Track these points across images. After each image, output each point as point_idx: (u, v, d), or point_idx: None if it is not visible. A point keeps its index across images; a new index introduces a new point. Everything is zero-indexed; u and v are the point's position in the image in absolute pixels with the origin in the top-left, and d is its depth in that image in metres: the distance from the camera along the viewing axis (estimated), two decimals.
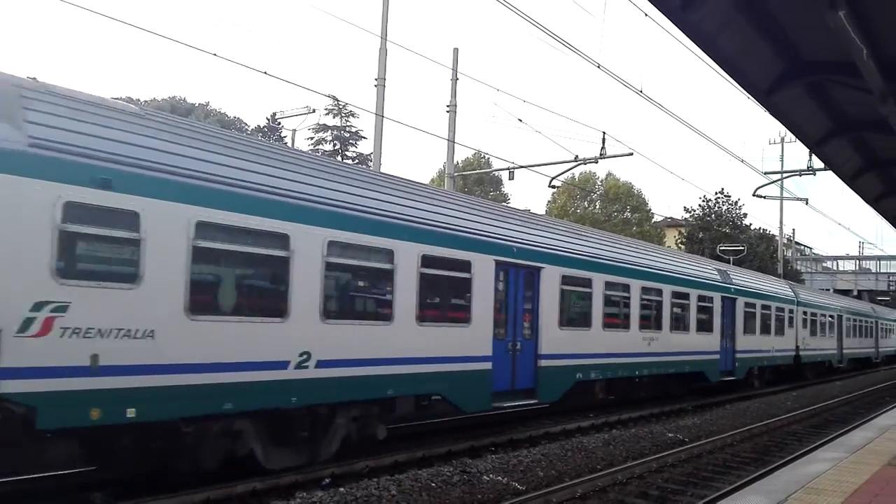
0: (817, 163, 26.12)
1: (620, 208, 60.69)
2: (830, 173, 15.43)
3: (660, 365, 16.32)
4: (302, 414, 8.80)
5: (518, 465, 9.90)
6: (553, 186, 26.36)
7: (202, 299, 7.65)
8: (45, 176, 6.52)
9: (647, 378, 16.35)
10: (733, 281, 20.77)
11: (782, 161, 46.11)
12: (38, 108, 6.79)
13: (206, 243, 7.62)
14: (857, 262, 63.90)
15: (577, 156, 22.82)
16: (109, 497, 7.52)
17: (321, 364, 8.68)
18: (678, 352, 17.06)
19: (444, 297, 10.92)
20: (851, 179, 15.39)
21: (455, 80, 22.87)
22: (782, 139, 41.13)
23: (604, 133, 21.69)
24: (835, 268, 63.60)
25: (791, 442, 13.99)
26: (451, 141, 22.90)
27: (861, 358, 35.75)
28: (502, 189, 71.86)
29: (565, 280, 13.09)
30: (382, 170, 18.63)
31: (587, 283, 13.80)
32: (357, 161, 62.09)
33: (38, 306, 6.39)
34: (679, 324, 17.33)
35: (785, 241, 47.30)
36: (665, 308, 16.61)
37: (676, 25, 7.62)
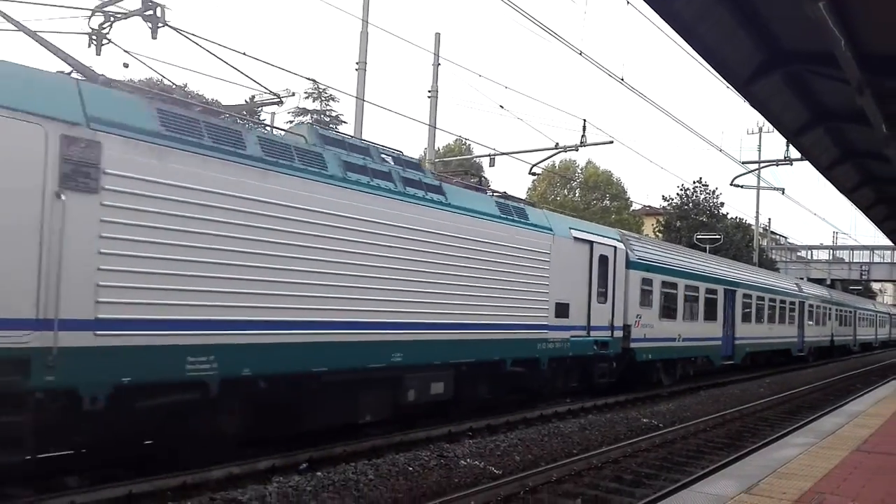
0: (794, 153, 26.39)
1: (600, 196, 60.93)
2: (807, 164, 15.60)
3: (773, 344, 27.35)
4: (673, 361, 18.98)
5: (495, 450, 9.96)
6: (533, 174, 26.37)
7: (661, 312, 17.83)
8: (637, 269, 16.70)
9: (768, 352, 27.38)
10: (803, 291, 32.17)
11: (760, 151, 46.54)
12: (632, 243, 17.23)
13: (663, 290, 18.01)
14: (831, 251, 64.75)
15: (557, 143, 22.74)
16: (84, 481, 7.46)
17: (683, 339, 18.93)
18: (781, 336, 28.16)
19: (709, 309, 20.99)
20: (827, 170, 15.58)
21: (437, 65, 22.73)
22: (760, 129, 41.47)
23: (584, 121, 21.58)
24: (809, 257, 64.38)
25: (763, 428, 14.21)
26: (433, 126, 22.80)
27: (866, 343, 48.07)
28: (483, 175, 71.33)
29: (744, 297, 23.76)
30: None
31: (750, 297, 24.43)
32: None
33: (636, 316, 16.46)
34: (781, 319, 28.04)
35: (761, 230, 47.84)
36: (776, 310, 27.42)
37: (658, 13, 7.63)
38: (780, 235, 67.89)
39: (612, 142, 21.97)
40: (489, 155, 25.35)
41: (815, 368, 29.72)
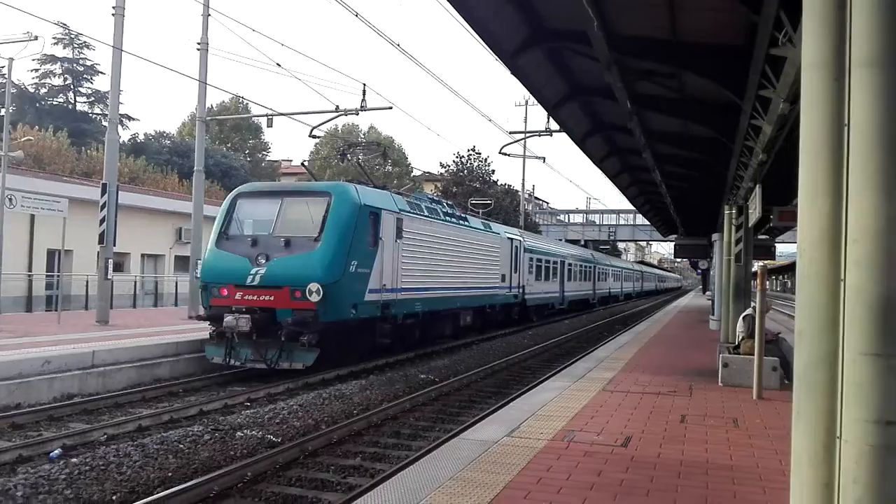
0: (554, 125, 28.67)
1: (382, 162, 61.53)
2: (565, 135, 16.99)
3: (581, 295, 40.00)
4: (540, 306, 30.93)
5: (274, 418, 9.75)
6: (314, 136, 25.90)
7: (535, 277, 29.54)
8: (527, 252, 28.62)
9: (578, 300, 39.36)
10: (594, 258, 45.10)
11: (525, 122, 50.12)
12: (524, 237, 29.75)
13: (536, 264, 29.81)
14: (585, 215, 71.98)
15: (338, 106, 22.48)
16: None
17: (544, 293, 31.23)
18: (584, 290, 41.17)
19: (554, 274, 33.09)
20: (581, 141, 17.12)
21: (206, 15, 21.23)
22: (526, 102, 44.52)
23: (364, 85, 21.62)
24: (567, 220, 70.94)
25: (526, 375, 15.48)
26: (203, 82, 21.35)
27: (628, 293, 63.77)
28: (262, 137, 68.62)
29: (568, 265, 35.63)
30: (122, 111, 16.94)
31: (571, 265, 36.64)
32: (93, 99, 55.40)
33: (527, 279, 28.25)
34: (585, 278, 41.01)
35: (526, 196, 51.73)
36: (583, 273, 40.42)
37: None
38: (542, 201, 73.99)
39: (391, 107, 22.25)
40: (267, 115, 24.41)
41: (571, 320, 33.07)
